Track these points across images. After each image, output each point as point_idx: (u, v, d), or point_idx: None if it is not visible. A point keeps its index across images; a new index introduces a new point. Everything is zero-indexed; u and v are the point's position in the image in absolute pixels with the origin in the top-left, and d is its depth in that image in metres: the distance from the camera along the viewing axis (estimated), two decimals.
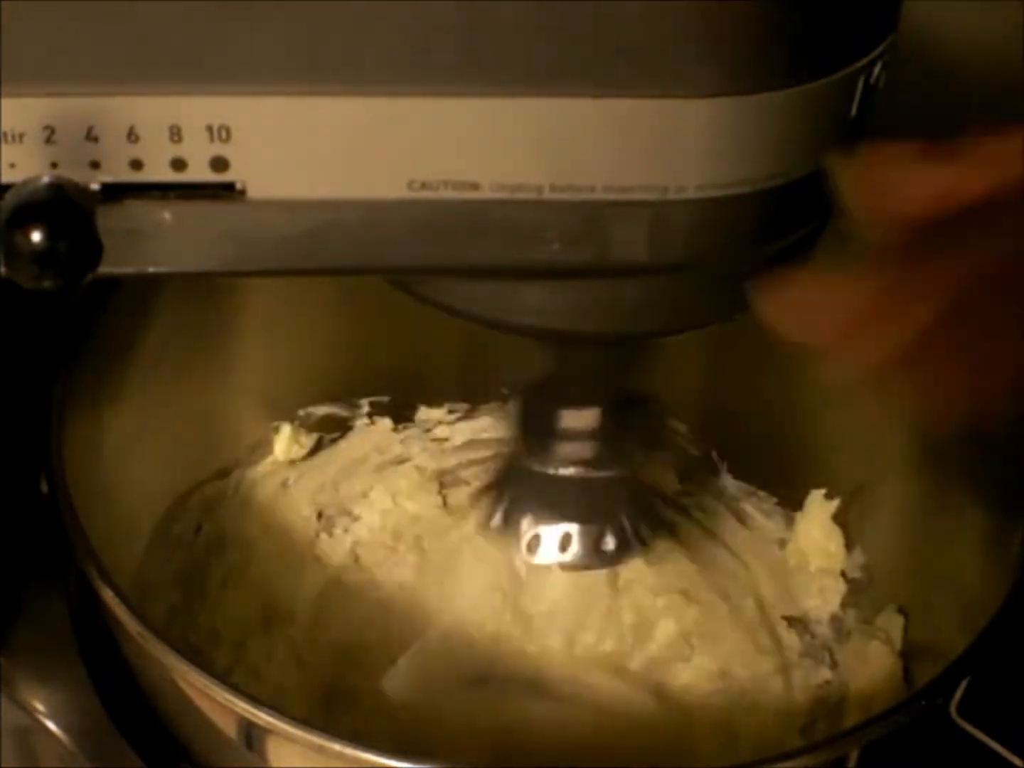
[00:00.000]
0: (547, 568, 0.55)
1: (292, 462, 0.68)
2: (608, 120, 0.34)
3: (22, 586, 0.57)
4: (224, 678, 0.45)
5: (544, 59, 0.33)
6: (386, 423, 0.70)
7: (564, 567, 0.53)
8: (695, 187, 0.35)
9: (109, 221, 0.34)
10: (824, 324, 0.37)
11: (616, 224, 0.36)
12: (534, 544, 0.52)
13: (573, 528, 0.52)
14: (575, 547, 0.52)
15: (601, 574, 0.63)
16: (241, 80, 0.33)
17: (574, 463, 0.49)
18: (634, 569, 0.63)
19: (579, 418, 0.48)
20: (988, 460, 0.55)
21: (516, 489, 0.52)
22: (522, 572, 0.62)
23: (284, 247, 0.36)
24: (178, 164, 0.34)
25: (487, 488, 0.55)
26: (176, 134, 0.34)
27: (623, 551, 0.52)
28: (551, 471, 0.49)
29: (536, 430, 0.49)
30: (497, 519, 0.52)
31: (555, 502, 0.51)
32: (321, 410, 0.68)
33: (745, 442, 0.67)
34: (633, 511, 0.52)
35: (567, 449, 0.48)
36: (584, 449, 0.48)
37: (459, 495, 0.68)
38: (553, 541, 0.52)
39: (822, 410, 0.64)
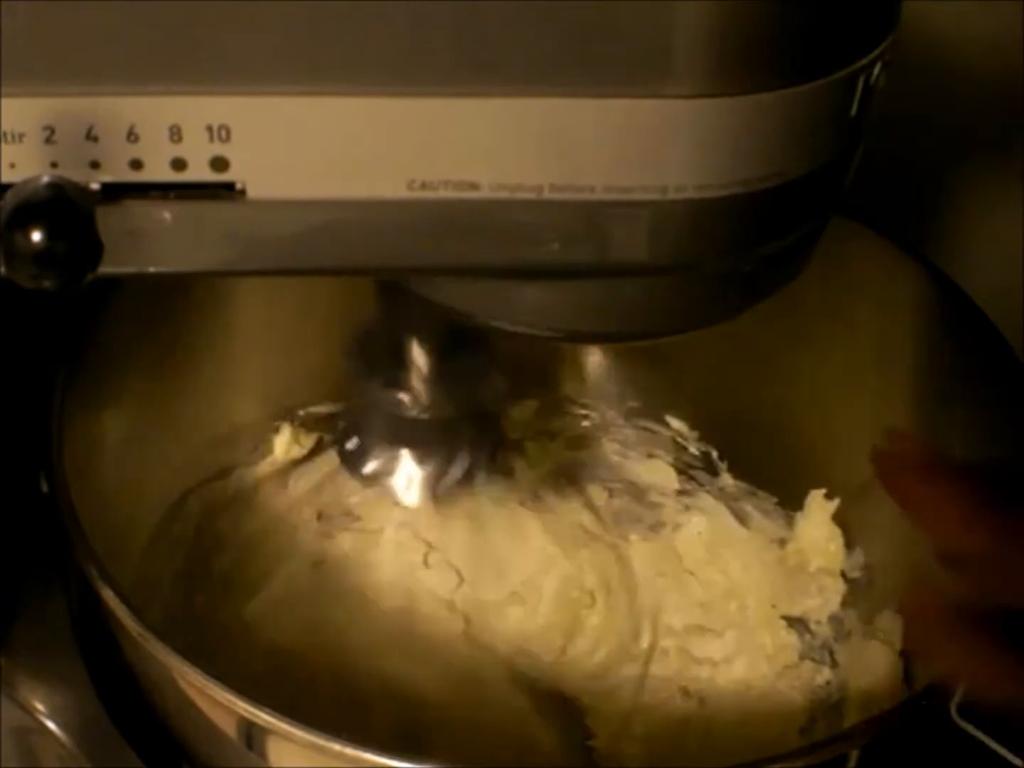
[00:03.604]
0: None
1: (292, 462, 0.68)
2: (608, 120, 0.34)
3: (22, 586, 0.57)
4: (224, 678, 0.45)
5: (544, 59, 0.33)
6: None
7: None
8: (695, 187, 0.35)
9: (109, 221, 0.34)
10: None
11: (616, 224, 0.36)
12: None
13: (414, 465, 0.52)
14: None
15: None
16: (241, 80, 0.33)
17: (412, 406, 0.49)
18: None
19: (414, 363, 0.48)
20: (988, 460, 0.55)
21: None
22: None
23: (284, 247, 0.36)
24: (178, 164, 0.34)
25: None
26: (176, 134, 0.34)
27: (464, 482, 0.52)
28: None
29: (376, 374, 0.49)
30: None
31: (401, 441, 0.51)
32: (321, 410, 0.68)
33: (745, 442, 0.67)
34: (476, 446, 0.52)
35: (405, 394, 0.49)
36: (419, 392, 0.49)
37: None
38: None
39: (822, 410, 0.64)
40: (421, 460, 0.51)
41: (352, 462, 0.52)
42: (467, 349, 0.48)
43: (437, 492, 0.51)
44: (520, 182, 0.35)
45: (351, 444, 0.52)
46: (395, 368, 0.48)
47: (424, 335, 0.47)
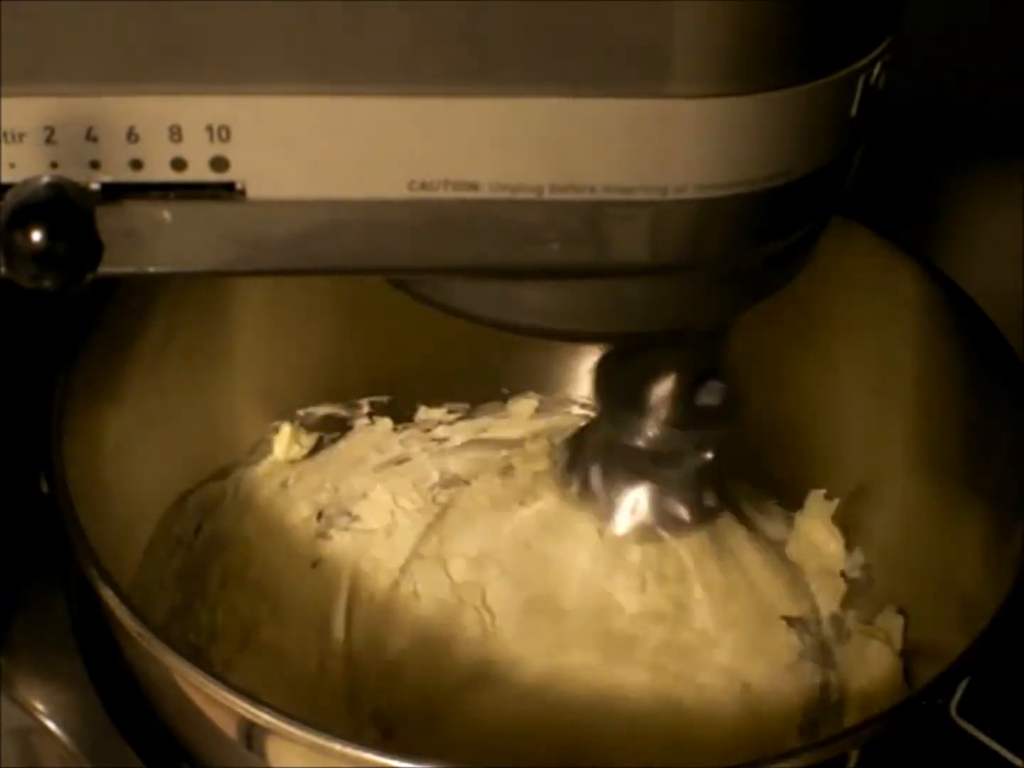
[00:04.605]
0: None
1: (292, 462, 0.68)
2: (608, 120, 0.34)
3: (22, 586, 0.57)
4: (224, 678, 0.45)
5: (544, 59, 0.33)
6: (386, 423, 0.70)
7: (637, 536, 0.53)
8: (695, 187, 0.35)
9: (109, 221, 0.34)
10: None
11: (616, 224, 0.36)
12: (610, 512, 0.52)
13: (645, 495, 0.51)
14: (648, 514, 0.51)
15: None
16: (241, 80, 0.33)
17: (651, 438, 0.48)
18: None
19: (660, 392, 0.48)
20: (988, 460, 0.55)
21: (597, 458, 0.52)
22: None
23: (284, 247, 0.36)
24: (178, 164, 0.34)
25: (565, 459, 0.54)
26: (176, 134, 0.34)
27: (692, 523, 0.52)
28: (631, 443, 0.49)
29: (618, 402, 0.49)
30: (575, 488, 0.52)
31: (633, 472, 0.51)
32: (321, 410, 0.68)
33: (745, 442, 0.67)
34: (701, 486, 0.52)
35: (646, 423, 0.48)
36: (660, 425, 0.48)
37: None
38: (626, 509, 0.52)
39: (822, 410, 0.64)
40: (646, 492, 0.51)
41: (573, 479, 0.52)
42: (710, 391, 0.48)
43: (647, 525, 0.51)
44: (520, 182, 0.35)
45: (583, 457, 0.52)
46: (641, 394, 0.48)
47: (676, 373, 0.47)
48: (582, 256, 0.36)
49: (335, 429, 0.69)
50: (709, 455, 0.50)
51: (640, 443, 0.48)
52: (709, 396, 0.48)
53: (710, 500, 0.51)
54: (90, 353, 0.55)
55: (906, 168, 0.65)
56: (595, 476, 0.51)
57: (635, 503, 0.51)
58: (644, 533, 0.51)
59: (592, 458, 0.52)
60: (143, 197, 0.35)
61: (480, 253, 0.36)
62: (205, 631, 0.61)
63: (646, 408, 0.47)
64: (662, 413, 0.48)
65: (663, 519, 0.51)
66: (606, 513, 0.51)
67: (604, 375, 0.49)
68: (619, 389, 0.48)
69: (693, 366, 0.47)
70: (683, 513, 0.51)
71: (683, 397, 0.47)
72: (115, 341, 0.57)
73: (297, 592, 0.64)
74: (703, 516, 0.51)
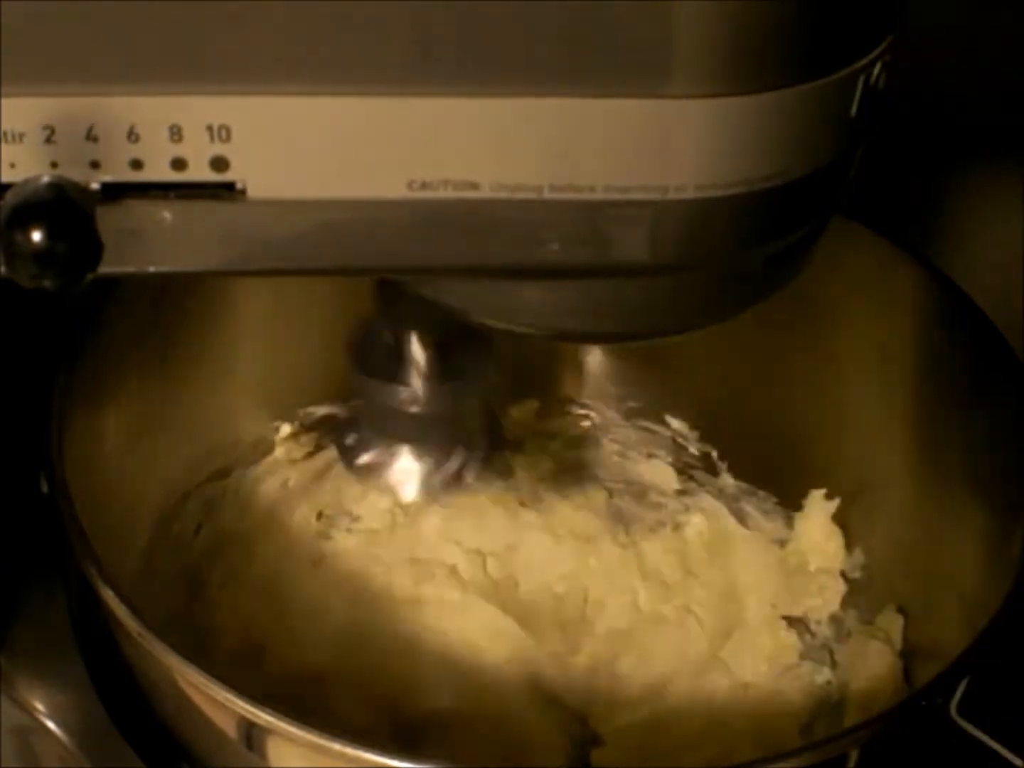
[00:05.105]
0: None
1: (292, 462, 0.68)
2: (608, 120, 0.34)
3: (22, 586, 0.57)
4: (224, 678, 0.45)
5: (544, 59, 0.33)
6: None
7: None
8: (695, 187, 0.35)
9: (109, 221, 0.34)
10: None
11: (616, 224, 0.36)
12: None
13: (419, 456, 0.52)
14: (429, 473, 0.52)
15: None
16: (241, 80, 0.33)
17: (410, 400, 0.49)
18: None
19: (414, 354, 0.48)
20: (988, 460, 0.55)
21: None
22: None
23: (284, 247, 0.36)
24: (178, 164, 0.34)
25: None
26: (176, 134, 0.34)
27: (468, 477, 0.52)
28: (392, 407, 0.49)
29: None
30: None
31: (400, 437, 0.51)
32: (321, 410, 0.68)
33: (745, 442, 0.67)
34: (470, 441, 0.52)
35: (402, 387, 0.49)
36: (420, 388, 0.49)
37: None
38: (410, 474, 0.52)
39: (822, 410, 0.64)
40: (418, 456, 0.51)
41: (350, 456, 0.52)
42: (467, 346, 0.48)
43: (431, 487, 0.51)
44: (520, 182, 0.35)
45: (350, 439, 0.52)
46: (394, 363, 0.48)
47: (424, 331, 0.47)
48: (582, 256, 0.36)
49: (335, 429, 0.69)
50: (470, 408, 0.51)
51: (401, 407, 0.49)
52: (462, 353, 0.48)
53: (479, 451, 0.52)
54: (90, 353, 0.55)
55: (906, 168, 0.65)
56: (364, 449, 0.52)
57: (411, 468, 0.51)
58: (431, 493, 0.52)
59: (358, 430, 0.52)
60: (143, 197, 0.35)
61: (480, 253, 0.36)
62: (205, 631, 0.61)
63: (401, 372, 0.48)
64: (417, 374, 0.48)
65: (445, 477, 0.51)
66: (388, 481, 0.52)
67: (357, 349, 0.50)
68: (374, 358, 0.49)
69: (442, 327, 0.47)
70: (458, 468, 0.52)
71: (436, 356, 0.48)
72: (115, 341, 0.57)
73: (297, 592, 0.64)
74: (477, 469, 0.52)
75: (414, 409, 0.49)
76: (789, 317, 0.58)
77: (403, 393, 0.48)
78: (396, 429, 0.50)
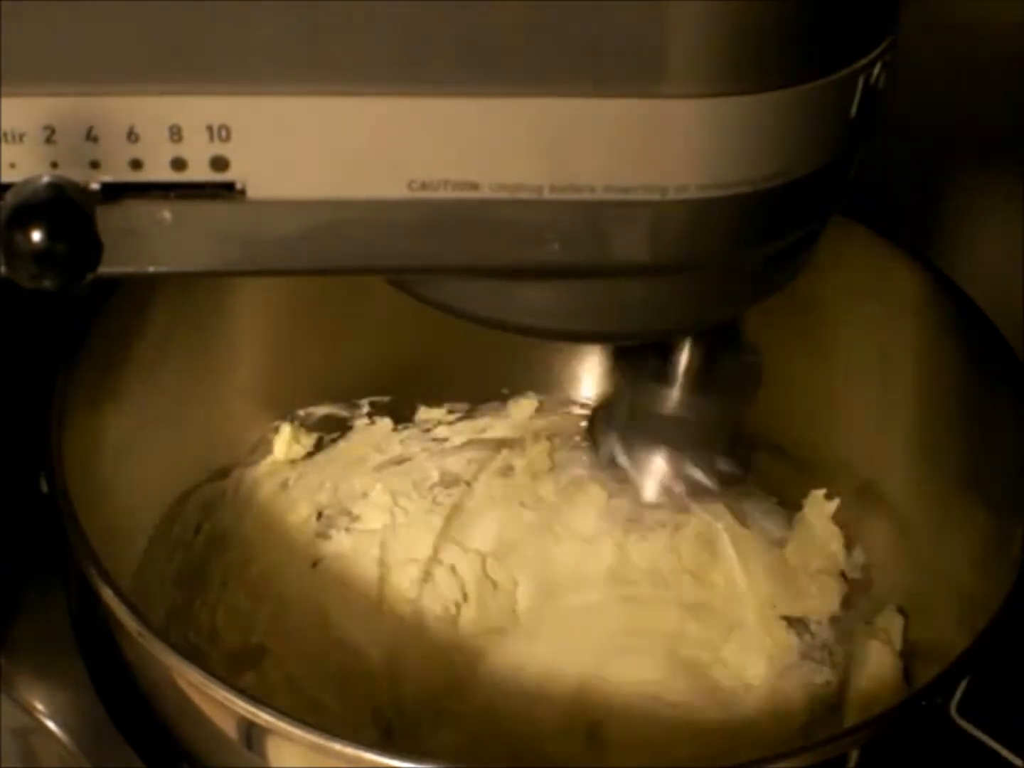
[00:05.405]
0: None
1: (292, 462, 0.68)
2: (608, 120, 0.34)
3: (22, 586, 0.57)
4: (224, 678, 0.45)
5: (544, 59, 0.33)
6: (386, 423, 0.70)
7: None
8: (695, 187, 0.35)
9: (109, 221, 0.34)
10: None
11: (616, 224, 0.36)
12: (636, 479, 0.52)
13: (668, 462, 0.52)
14: (671, 479, 0.52)
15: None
16: (241, 80, 0.33)
17: (674, 406, 0.49)
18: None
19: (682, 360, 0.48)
20: (988, 460, 0.55)
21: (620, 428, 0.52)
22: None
23: (284, 247, 0.36)
24: (178, 164, 0.34)
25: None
26: (176, 134, 0.34)
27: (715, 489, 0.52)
28: (654, 411, 0.49)
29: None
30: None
31: (656, 440, 0.51)
32: (321, 410, 0.68)
33: (745, 442, 0.67)
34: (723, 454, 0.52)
35: (669, 391, 0.49)
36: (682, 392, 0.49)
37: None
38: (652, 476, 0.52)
39: (822, 410, 0.64)
40: (668, 459, 0.51)
41: (605, 451, 0.52)
42: (736, 356, 0.48)
43: (671, 492, 0.51)
44: (520, 182, 0.35)
45: (608, 435, 0.52)
46: (664, 367, 0.48)
47: (698, 338, 0.47)
48: (582, 256, 0.36)
49: (335, 429, 0.69)
50: (730, 422, 0.51)
51: (663, 411, 0.49)
52: (730, 365, 0.48)
53: (732, 467, 0.52)
54: (90, 353, 0.55)
55: (906, 168, 0.65)
56: (618, 446, 0.52)
57: (659, 470, 0.51)
58: (669, 499, 0.52)
59: (616, 428, 0.52)
60: (143, 197, 0.35)
61: (480, 253, 0.36)
62: (205, 631, 0.61)
63: (669, 376, 0.48)
64: (684, 381, 0.48)
65: (687, 485, 0.51)
66: (632, 480, 0.52)
67: (627, 356, 0.50)
68: (641, 357, 0.49)
69: (715, 335, 0.47)
70: (705, 479, 0.51)
71: (705, 365, 0.48)
72: (115, 341, 0.57)
73: (297, 592, 0.64)
74: (725, 483, 0.52)
75: (676, 413, 0.49)
76: (789, 317, 0.58)
77: (669, 397, 0.48)
78: (655, 431, 0.50)
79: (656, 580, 0.66)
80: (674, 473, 0.51)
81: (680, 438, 0.50)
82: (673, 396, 0.48)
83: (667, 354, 0.47)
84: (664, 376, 0.48)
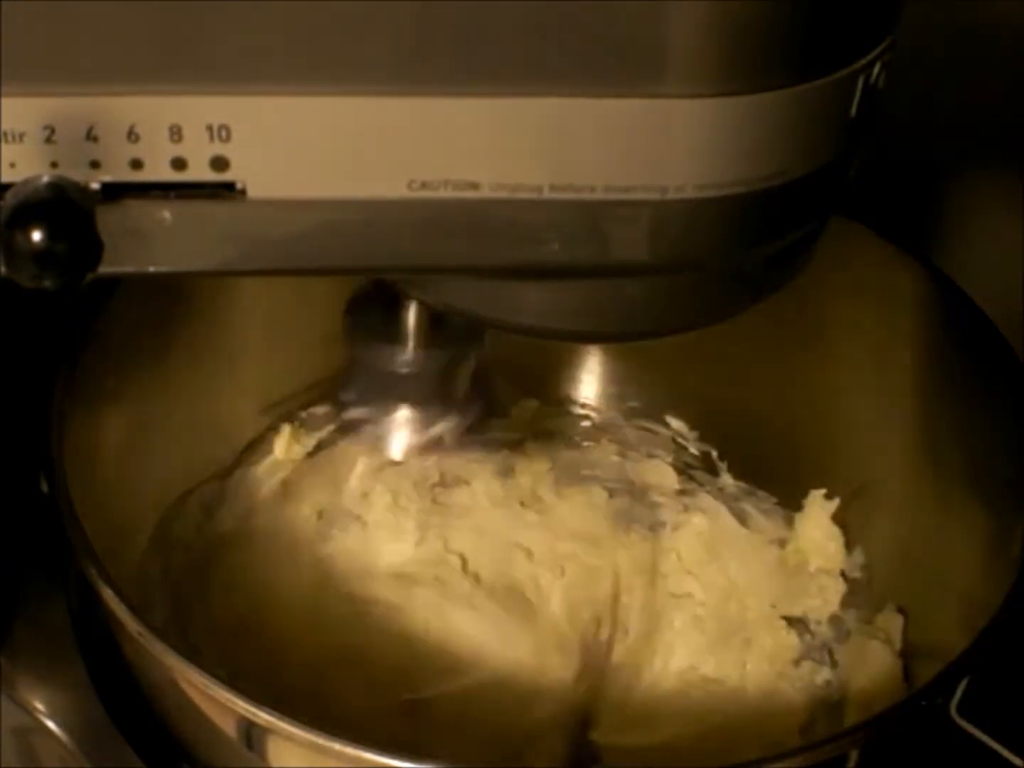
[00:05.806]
0: None
1: (292, 462, 0.68)
2: (608, 120, 0.34)
3: (22, 586, 0.57)
4: (224, 678, 0.45)
5: (544, 59, 0.33)
6: None
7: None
8: (695, 187, 0.35)
9: (109, 221, 0.34)
10: None
11: (616, 224, 0.36)
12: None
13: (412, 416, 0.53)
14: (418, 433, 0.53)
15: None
16: (241, 80, 0.33)
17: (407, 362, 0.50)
18: None
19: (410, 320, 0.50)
20: (988, 460, 0.55)
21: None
22: None
23: (284, 247, 0.36)
24: (178, 164, 0.34)
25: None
26: (176, 134, 0.34)
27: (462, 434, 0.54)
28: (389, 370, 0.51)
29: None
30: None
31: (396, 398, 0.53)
32: (321, 410, 0.68)
33: (745, 442, 0.67)
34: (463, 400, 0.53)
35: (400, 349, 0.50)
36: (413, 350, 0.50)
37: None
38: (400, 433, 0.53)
39: (822, 410, 0.64)
40: (406, 416, 0.52)
41: (343, 409, 0.54)
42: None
43: (411, 447, 0.52)
44: (520, 182, 0.35)
45: (348, 395, 0.53)
46: (391, 326, 0.49)
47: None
48: (582, 256, 0.36)
49: (335, 429, 0.69)
50: (463, 371, 0.52)
51: (397, 368, 0.50)
52: (457, 321, 0.50)
53: (471, 417, 0.53)
54: (90, 353, 0.55)
55: (906, 168, 0.65)
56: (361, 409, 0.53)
57: (400, 426, 0.52)
58: (416, 451, 0.53)
59: (354, 391, 0.54)
60: (143, 197, 0.35)
61: (480, 253, 0.36)
62: (205, 631, 0.61)
63: (399, 335, 0.49)
64: (414, 338, 0.50)
65: (435, 436, 0.52)
66: (379, 441, 0.53)
67: (355, 317, 0.51)
68: (371, 324, 0.50)
69: None
70: (452, 426, 0.53)
71: (430, 322, 0.49)
72: (115, 341, 0.57)
73: (297, 592, 0.64)
74: (470, 424, 0.53)
75: (406, 370, 0.50)
76: (789, 317, 0.58)
77: (398, 354, 0.49)
78: (390, 389, 0.51)
79: (656, 580, 0.66)
80: (415, 428, 0.52)
81: (416, 393, 0.51)
82: (404, 353, 0.49)
83: (395, 313, 0.49)
84: (395, 335, 0.49)
